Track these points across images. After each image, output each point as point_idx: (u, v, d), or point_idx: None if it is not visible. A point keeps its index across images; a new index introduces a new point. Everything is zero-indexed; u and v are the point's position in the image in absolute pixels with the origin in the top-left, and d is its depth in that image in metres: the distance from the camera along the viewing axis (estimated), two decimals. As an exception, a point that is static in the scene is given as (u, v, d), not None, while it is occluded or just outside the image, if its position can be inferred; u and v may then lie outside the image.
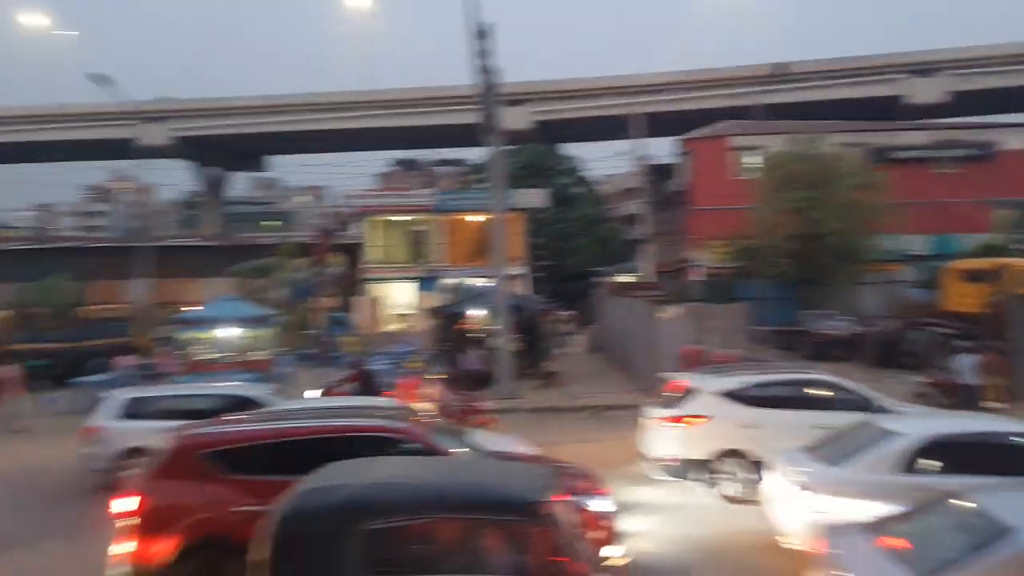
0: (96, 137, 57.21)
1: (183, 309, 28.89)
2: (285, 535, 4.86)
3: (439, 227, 36.88)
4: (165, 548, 6.88)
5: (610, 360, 25.76)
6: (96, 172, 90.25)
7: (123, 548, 6.96)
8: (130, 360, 22.79)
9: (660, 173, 41.95)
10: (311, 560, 4.77)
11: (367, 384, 16.30)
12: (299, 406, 10.02)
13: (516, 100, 47.01)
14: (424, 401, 13.05)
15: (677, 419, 10.92)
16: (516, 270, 30.59)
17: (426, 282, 35.43)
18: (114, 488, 9.06)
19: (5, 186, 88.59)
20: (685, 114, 47.81)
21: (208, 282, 33.95)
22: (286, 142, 61.65)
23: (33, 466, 13.64)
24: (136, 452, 10.42)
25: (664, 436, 11.07)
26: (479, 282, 33.73)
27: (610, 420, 16.60)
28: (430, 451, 7.25)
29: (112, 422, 11.89)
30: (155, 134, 53.72)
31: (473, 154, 60.69)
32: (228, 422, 8.23)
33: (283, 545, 4.84)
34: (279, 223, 79.01)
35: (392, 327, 33.80)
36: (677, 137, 40.87)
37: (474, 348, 21.80)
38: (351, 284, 35.90)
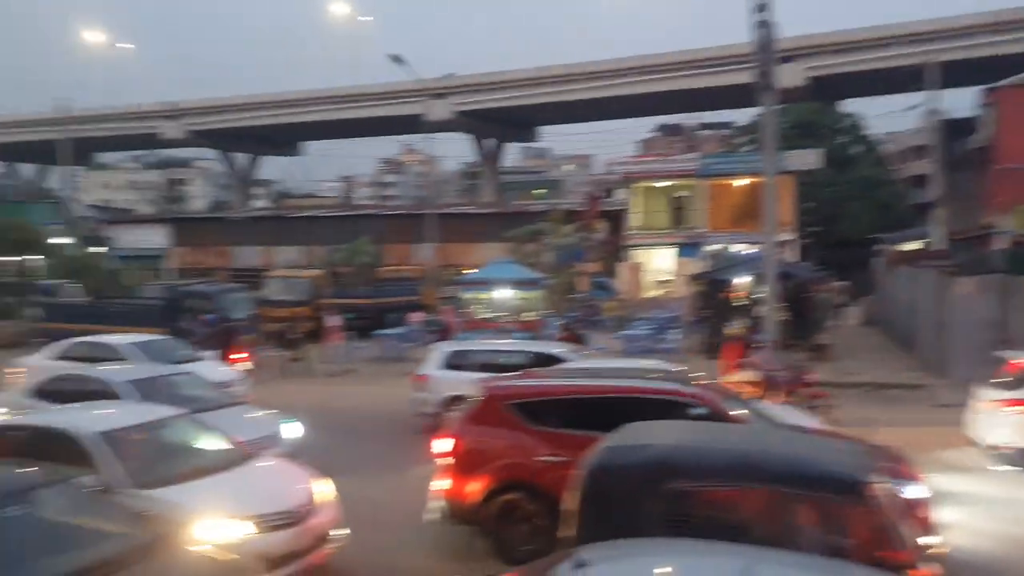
0: (389, 114, 63.35)
1: (464, 271, 31.55)
2: (592, 489, 5.02)
3: (702, 192, 36.34)
4: (474, 488, 7.51)
5: (888, 335, 24.04)
6: (389, 146, 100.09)
7: (441, 484, 7.75)
8: (419, 316, 25.48)
9: (955, 129, 37.51)
10: (616, 514, 4.88)
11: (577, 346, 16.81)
12: (593, 365, 10.49)
13: (788, 56, 44.39)
14: (747, 369, 12.66)
15: (1019, 402, 9.86)
16: (784, 236, 29.34)
17: (687, 248, 35.20)
18: (437, 430, 10.01)
19: (316, 160, 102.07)
20: (990, 61, 42.13)
21: (485, 246, 36.60)
22: (556, 112, 63.65)
23: (361, 405, 15.62)
24: (457, 399, 11.49)
25: (1002, 421, 10.02)
26: (743, 248, 32.87)
27: (890, 400, 15.64)
28: (720, 417, 7.14)
29: (437, 371, 13.16)
30: (439, 109, 58.26)
31: (737, 116, 58.62)
32: (532, 376, 8.84)
33: (590, 498, 5.00)
34: (547, 191, 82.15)
35: (653, 293, 34.14)
36: (980, 87, 36.22)
37: (737, 316, 21.46)
38: (614, 250, 36.67)
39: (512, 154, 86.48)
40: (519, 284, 23.64)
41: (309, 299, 27.52)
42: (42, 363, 14.96)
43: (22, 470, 6.20)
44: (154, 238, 45.67)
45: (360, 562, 7.52)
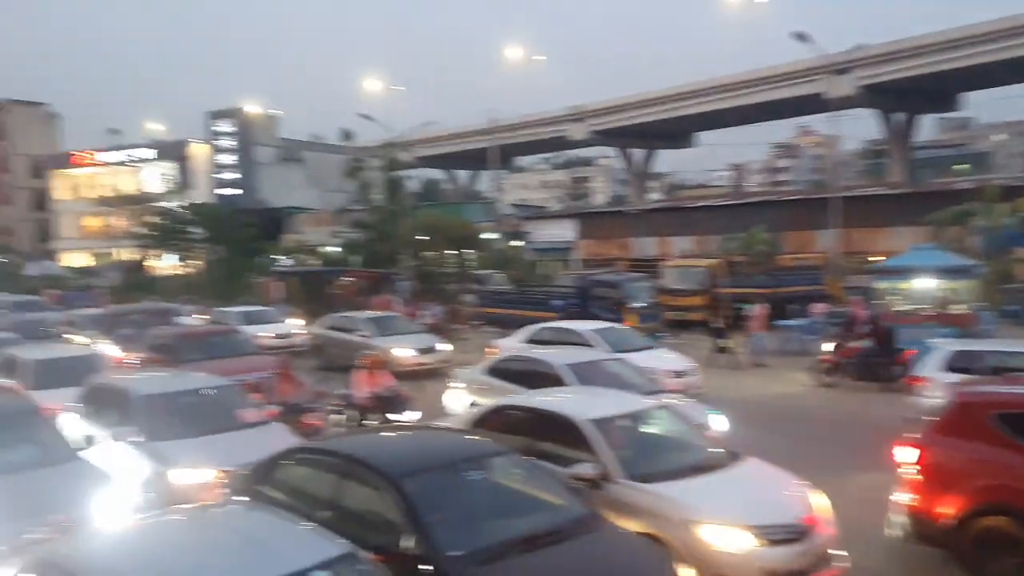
0: (784, 96, 60.76)
1: (871, 258, 29.16)
2: None
3: None
4: (947, 508, 6.69)
5: None
6: (780, 131, 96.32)
7: (904, 497, 6.99)
8: (823, 307, 24.18)
9: None
10: None
11: (886, 343, 14.19)
12: None
13: None
14: None
15: None
16: None
17: None
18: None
19: (706, 151, 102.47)
20: None
21: (896, 231, 33.43)
22: (984, 75, 55.29)
23: (771, 399, 15.29)
24: None
25: None
26: None
27: None
28: None
29: (938, 373, 11.69)
30: (842, 86, 54.03)
31: None
32: (1020, 382, 7.71)
33: None
34: (971, 166, 71.96)
35: None
36: None
37: None
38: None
39: (925, 127, 77.39)
40: (945, 273, 21.20)
41: (706, 288, 27.83)
42: (514, 345, 16.13)
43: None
44: (563, 232, 49.47)
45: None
